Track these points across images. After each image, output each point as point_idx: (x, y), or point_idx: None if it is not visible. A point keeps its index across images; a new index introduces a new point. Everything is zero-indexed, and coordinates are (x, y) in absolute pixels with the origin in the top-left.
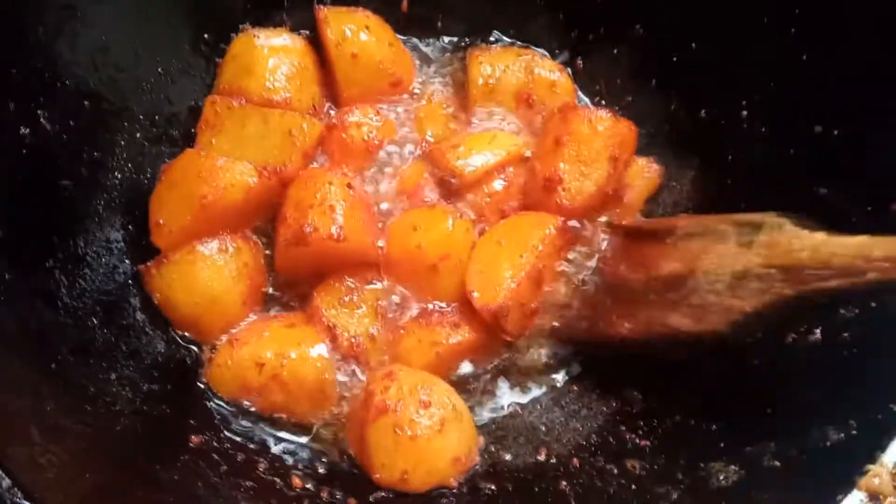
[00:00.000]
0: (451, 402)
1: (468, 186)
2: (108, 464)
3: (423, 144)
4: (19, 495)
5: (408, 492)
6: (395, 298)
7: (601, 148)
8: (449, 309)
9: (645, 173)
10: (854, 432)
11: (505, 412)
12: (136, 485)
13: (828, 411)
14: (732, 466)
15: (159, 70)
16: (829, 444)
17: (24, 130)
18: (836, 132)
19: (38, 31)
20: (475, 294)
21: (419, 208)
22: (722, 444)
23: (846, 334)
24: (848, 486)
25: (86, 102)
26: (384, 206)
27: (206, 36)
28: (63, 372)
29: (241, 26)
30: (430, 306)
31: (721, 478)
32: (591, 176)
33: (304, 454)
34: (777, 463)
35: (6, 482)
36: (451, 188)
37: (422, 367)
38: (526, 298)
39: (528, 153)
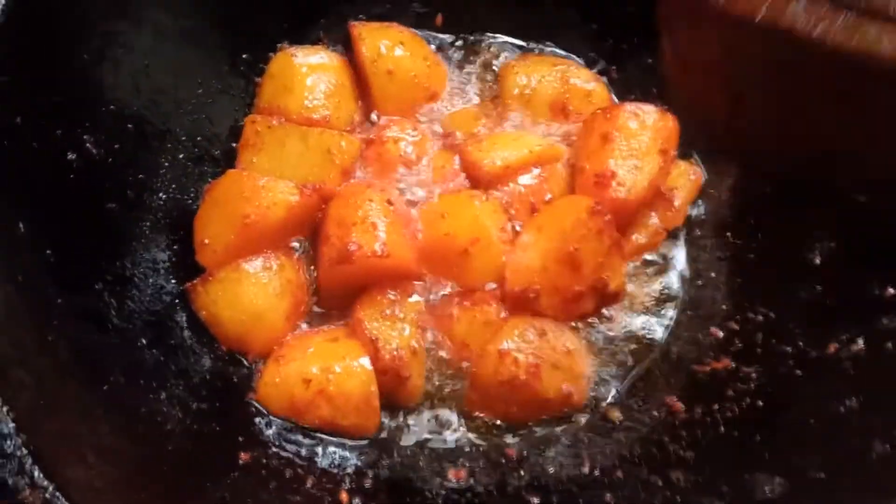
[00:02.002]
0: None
1: (490, 181)
2: (161, 483)
3: (450, 139)
4: None
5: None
6: (435, 291)
7: (651, 141)
8: (492, 286)
9: (690, 175)
10: None
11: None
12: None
13: (872, 422)
14: (777, 478)
15: (199, 91)
16: (874, 455)
17: (71, 156)
18: None
19: (82, 57)
20: (506, 278)
21: (446, 195)
22: (766, 455)
23: (889, 344)
24: (893, 499)
25: (129, 125)
26: (417, 201)
27: (244, 56)
28: (115, 393)
29: (278, 45)
30: None
31: (766, 489)
32: (643, 169)
33: (351, 469)
34: (822, 474)
35: None
36: (477, 181)
37: (481, 347)
38: (562, 282)
39: (563, 155)
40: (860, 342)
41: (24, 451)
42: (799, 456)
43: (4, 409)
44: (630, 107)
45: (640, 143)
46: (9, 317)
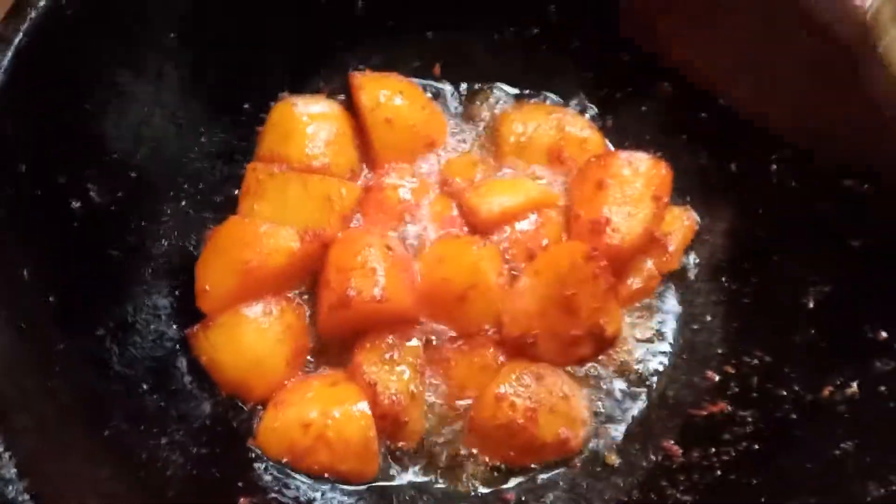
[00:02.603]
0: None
1: (487, 226)
2: None
3: (448, 186)
4: None
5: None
6: (434, 335)
7: (644, 188)
8: (489, 330)
9: (684, 220)
10: (895, 488)
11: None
12: None
13: (868, 466)
14: None
15: (202, 139)
16: (869, 499)
17: (74, 203)
18: (865, 185)
19: (86, 106)
20: (504, 323)
21: (444, 240)
22: (763, 499)
23: (883, 388)
24: None
25: (132, 173)
26: (415, 246)
27: (245, 105)
28: (117, 438)
29: (279, 94)
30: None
31: None
32: (637, 216)
33: None
34: None
35: None
36: (475, 227)
37: (479, 391)
38: (560, 327)
39: (559, 202)
40: (854, 385)
41: (27, 496)
42: (795, 499)
43: (7, 454)
44: (624, 154)
45: (634, 189)
46: (11, 362)
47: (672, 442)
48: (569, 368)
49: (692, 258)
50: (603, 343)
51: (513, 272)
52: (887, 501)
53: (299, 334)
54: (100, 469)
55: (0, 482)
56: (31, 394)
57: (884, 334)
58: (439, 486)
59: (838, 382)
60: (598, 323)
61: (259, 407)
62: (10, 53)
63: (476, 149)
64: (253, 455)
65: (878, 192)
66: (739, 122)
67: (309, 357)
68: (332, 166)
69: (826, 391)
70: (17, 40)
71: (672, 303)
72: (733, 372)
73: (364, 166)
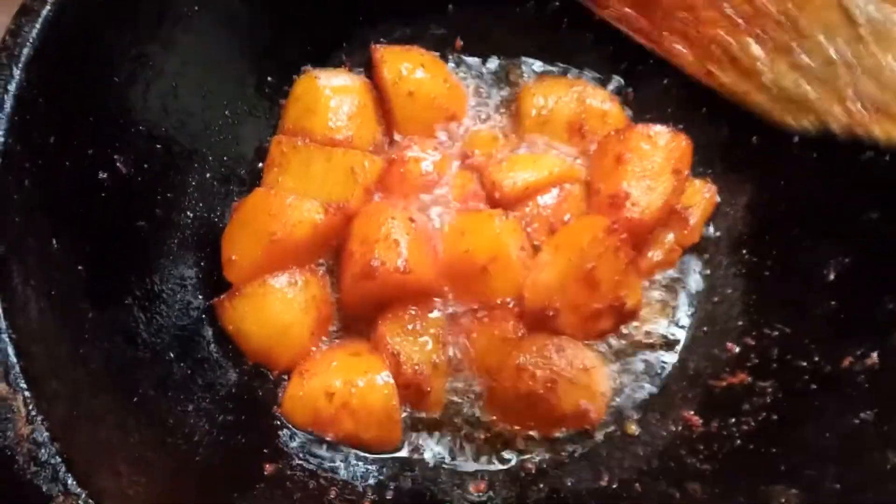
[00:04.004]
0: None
1: (510, 201)
2: (190, 493)
3: (469, 160)
4: None
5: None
6: (455, 307)
7: (664, 161)
8: (510, 303)
9: (704, 193)
10: None
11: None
12: None
13: (887, 434)
14: (793, 489)
15: (226, 113)
16: (888, 466)
17: (102, 175)
18: (886, 157)
19: (114, 79)
20: (525, 296)
21: (466, 213)
22: (782, 468)
23: None
24: None
25: (158, 146)
26: (437, 219)
27: (269, 79)
28: (145, 405)
29: (302, 68)
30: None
31: (782, 501)
32: (657, 189)
33: (373, 481)
34: (837, 486)
35: None
36: (497, 202)
37: (500, 361)
38: (581, 300)
39: (581, 176)
40: (874, 356)
41: (58, 459)
42: (815, 468)
43: (39, 418)
44: (642, 128)
45: (654, 163)
46: (43, 330)
47: (692, 412)
48: (589, 341)
49: (713, 231)
50: (623, 316)
51: (535, 246)
52: None
53: (323, 305)
54: (129, 434)
55: (33, 445)
56: (63, 361)
57: None
58: (461, 455)
59: (858, 353)
60: (619, 296)
61: (284, 376)
62: (38, 25)
63: (497, 123)
64: (278, 423)
65: None
66: None
67: (333, 328)
68: (355, 139)
69: (846, 362)
70: (44, 12)
71: (693, 276)
72: (753, 344)
73: (386, 139)
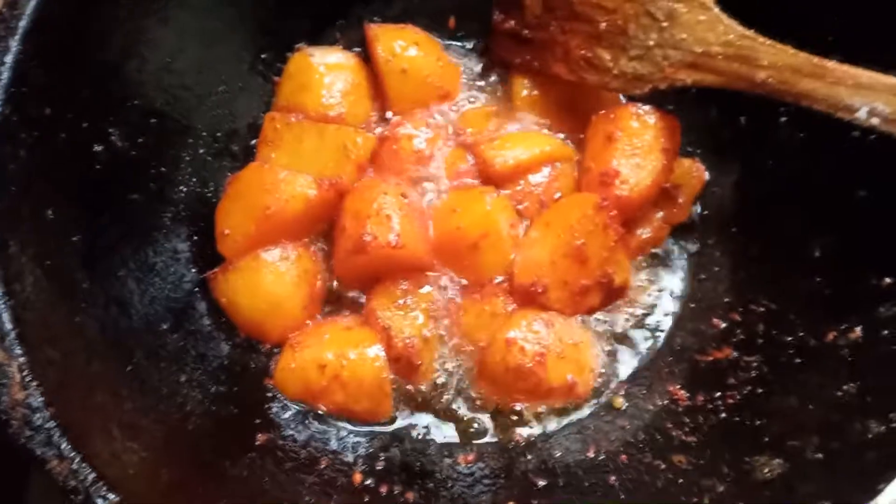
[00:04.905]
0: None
1: (501, 179)
2: (182, 460)
3: (462, 137)
4: (104, 489)
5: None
6: (446, 283)
7: (653, 140)
8: (500, 279)
9: (693, 172)
10: (895, 425)
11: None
12: (207, 480)
13: (869, 405)
14: (776, 460)
15: (221, 88)
16: (870, 436)
17: (96, 147)
18: (872, 136)
19: (109, 53)
20: (514, 273)
21: (458, 190)
22: (766, 439)
23: (886, 332)
24: (889, 475)
25: (152, 120)
26: (429, 196)
27: (263, 56)
28: (138, 374)
29: (296, 45)
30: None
31: (765, 471)
32: (646, 167)
33: (363, 452)
34: (820, 455)
35: (91, 475)
36: (488, 179)
37: (489, 336)
38: (570, 276)
39: (572, 155)
40: (858, 330)
41: (53, 423)
42: (797, 439)
43: (34, 383)
44: (633, 107)
45: (643, 142)
46: (39, 298)
47: (678, 386)
48: (578, 317)
49: (701, 210)
50: (612, 292)
51: (525, 223)
52: (887, 437)
53: (315, 279)
54: (122, 401)
55: (27, 410)
56: (58, 328)
57: (888, 280)
58: (450, 427)
59: (842, 328)
60: (608, 273)
61: (276, 350)
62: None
63: (490, 101)
64: (270, 395)
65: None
66: None
67: (325, 303)
68: (348, 116)
69: (830, 336)
70: None
71: (681, 253)
72: (739, 319)
73: (379, 117)
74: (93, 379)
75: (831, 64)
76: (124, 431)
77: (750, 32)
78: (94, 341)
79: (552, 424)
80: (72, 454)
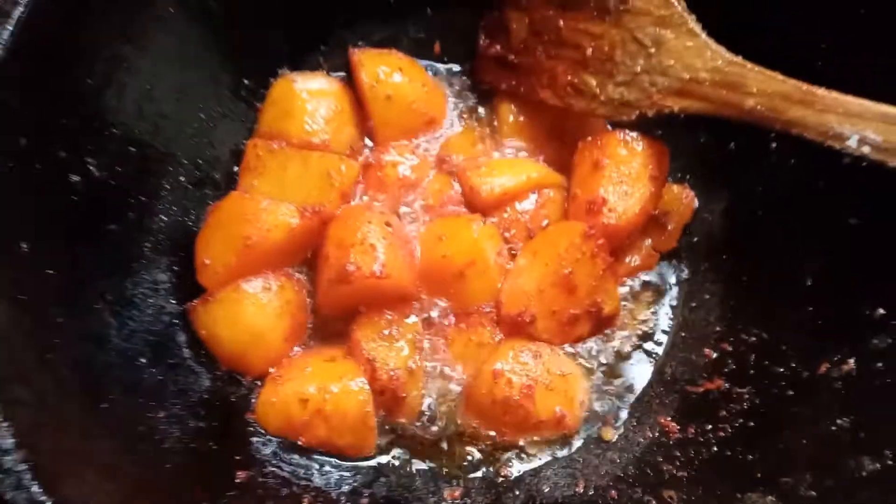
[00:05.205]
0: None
1: (488, 206)
2: (160, 500)
3: (448, 164)
4: None
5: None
6: (432, 312)
7: (641, 167)
8: (487, 308)
9: (682, 199)
10: (889, 462)
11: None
12: None
13: (862, 441)
14: (770, 497)
15: (201, 116)
16: (864, 473)
17: (73, 177)
18: (863, 164)
19: (87, 81)
20: (502, 302)
21: (444, 218)
22: (759, 475)
23: (880, 364)
24: None
25: (132, 149)
26: (414, 224)
27: (245, 81)
28: (115, 411)
29: (279, 71)
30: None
31: None
32: (634, 195)
33: (347, 488)
34: (813, 493)
35: None
36: (475, 207)
37: (476, 368)
38: (558, 305)
39: (559, 182)
40: (851, 362)
41: (24, 466)
42: (791, 475)
43: (4, 424)
44: (620, 134)
45: (631, 169)
46: (9, 334)
47: (669, 418)
48: (567, 347)
49: (691, 237)
50: (601, 321)
51: (512, 251)
52: (881, 475)
53: (298, 310)
54: (97, 441)
55: None
56: (30, 366)
57: (881, 311)
58: (437, 461)
59: (835, 359)
60: (596, 301)
61: (257, 382)
62: (10, 27)
63: (476, 127)
64: (251, 429)
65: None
66: None
67: (307, 334)
68: (332, 143)
69: (822, 368)
70: (16, 14)
71: (670, 281)
72: (730, 349)
73: (364, 143)
74: (66, 418)
75: (821, 91)
76: (99, 473)
77: (738, 59)
78: (67, 379)
79: (541, 458)
80: (42, 498)
